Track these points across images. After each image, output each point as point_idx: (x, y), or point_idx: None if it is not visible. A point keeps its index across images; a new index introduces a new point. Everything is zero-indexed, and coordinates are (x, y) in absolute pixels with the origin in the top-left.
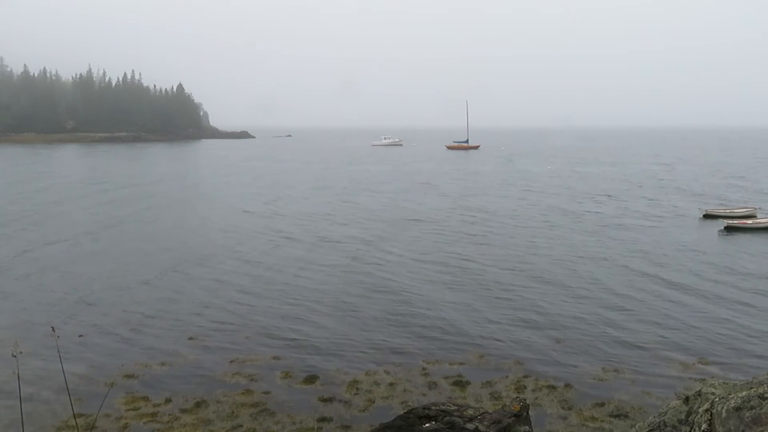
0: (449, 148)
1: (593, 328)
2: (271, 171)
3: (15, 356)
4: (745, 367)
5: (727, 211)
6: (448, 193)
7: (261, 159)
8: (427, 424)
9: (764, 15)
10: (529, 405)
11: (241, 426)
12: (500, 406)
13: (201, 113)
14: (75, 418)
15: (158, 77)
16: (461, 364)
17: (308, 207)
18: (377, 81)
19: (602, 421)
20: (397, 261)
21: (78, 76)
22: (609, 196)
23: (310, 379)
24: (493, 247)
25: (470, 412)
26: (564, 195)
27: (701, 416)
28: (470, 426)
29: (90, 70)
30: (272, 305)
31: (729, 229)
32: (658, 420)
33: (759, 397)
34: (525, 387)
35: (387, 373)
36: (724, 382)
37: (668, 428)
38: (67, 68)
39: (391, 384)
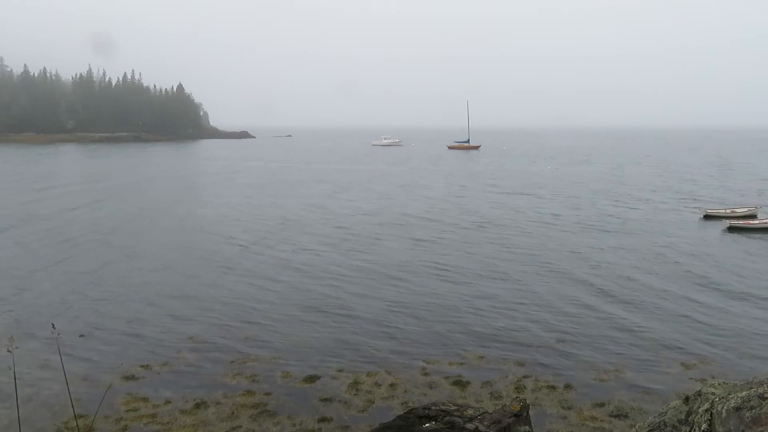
0: (450, 148)
1: (593, 328)
2: (276, 172)
3: (10, 351)
4: (745, 367)
5: (728, 211)
6: (449, 194)
7: (261, 159)
8: (427, 424)
9: (764, 15)
10: (529, 405)
11: (241, 427)
12: (500, 406)
13: (201, 113)
14: (76, 419)
15: (158, 77)
16: (461, 364)
17: (306, 207)
18: (377, 81)
19: (602, 421)
20: (397, 261)
21: (78, 76)
22: (609, 197)
23: (311, 380)
24: (492, 248)
25: (470, 412)
26: (563, 196)
27: (701, 416)
28: (470, 426)
29: (90, 70)
30: (272, 306)
31: (732, 230)
32: (658, 420)
33: (759, 397)
34: (525, 387)
35: (388, 373)
36: (724, 382)
37: (668, 428)
38: (67, 68)
39: (391, 384)
